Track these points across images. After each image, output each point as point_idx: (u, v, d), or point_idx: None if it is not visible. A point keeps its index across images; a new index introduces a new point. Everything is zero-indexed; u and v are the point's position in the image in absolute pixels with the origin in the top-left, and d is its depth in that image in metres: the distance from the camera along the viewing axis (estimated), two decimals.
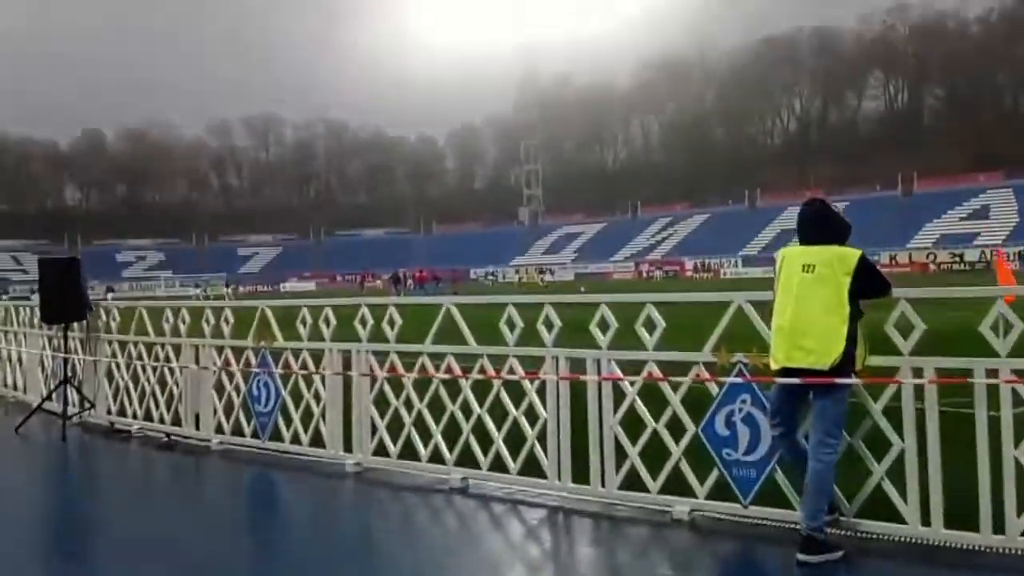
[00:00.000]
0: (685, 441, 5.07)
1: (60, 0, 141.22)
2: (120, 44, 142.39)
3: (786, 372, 4.33)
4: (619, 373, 5.27)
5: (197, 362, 8.04)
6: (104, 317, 9.35)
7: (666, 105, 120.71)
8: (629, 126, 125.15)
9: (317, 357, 6.96)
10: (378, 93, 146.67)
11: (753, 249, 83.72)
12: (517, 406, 5.76)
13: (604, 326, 5.34)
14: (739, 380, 4.76)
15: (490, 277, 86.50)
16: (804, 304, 4.26)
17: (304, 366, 6.98)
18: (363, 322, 6.58)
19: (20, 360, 11.38)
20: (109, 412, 9.25)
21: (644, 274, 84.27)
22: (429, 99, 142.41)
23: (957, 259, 69.29)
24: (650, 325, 5.16)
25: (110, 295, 55.01)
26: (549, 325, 5.55)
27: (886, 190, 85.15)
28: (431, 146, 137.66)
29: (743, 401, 4.79)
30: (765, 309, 4.63)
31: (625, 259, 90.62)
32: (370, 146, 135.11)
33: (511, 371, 5.69)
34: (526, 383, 5.64)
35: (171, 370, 8.36)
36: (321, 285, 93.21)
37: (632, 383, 5.22)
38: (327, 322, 6.87)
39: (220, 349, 7.84)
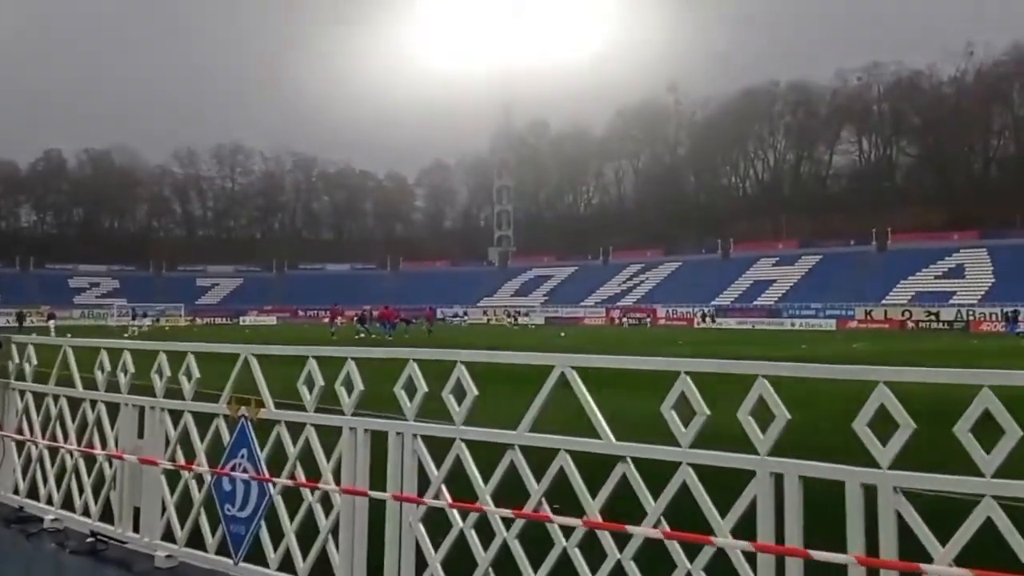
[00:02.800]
0: None
1: (28, 22, 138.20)
2: (88, 69, 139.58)
3: None
4: (909, 513, 2.87)
5: (140, 433, 5.55)
6: (17, 358, 6.80)
7: (641, 152, 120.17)
8: (603, 171, 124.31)
9: (329, 439, 4.52)
10: (349, 128, 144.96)
11: (726, 299, 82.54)
12: (693, 556, 3.26)
13: (886, 421, 2.93)
14: None
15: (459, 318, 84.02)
16: None
17: (306, 454, 4.50)
18: (409, 389, 4.14)
19: None
20: (16, 491, 6.65)
21: (616, 320, 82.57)
22: (401, 137, 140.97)
23: (933, 317, 68.50)
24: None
25: (52, 321, 51.61)
26: (763, 418, 3.14)
27: (860, 245, 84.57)
28: (401, 183, 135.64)
29: None
30: None
31: (596, 304, 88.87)
32: (338, 181, 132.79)
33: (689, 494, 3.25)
34: (707, 504, 3.19)
35: (103, 441, 5.84)
36: (282, 320, 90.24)
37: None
38: (348, 386, 4.42)
39: (177, 415, 5.34)
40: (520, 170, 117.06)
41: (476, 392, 3.85)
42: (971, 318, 66.39)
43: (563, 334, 49.30)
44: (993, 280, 70.98)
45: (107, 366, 5.87)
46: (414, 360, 4.07)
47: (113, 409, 5.83)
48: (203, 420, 5.14)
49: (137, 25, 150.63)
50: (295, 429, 4.60)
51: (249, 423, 4.80)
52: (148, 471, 5.40)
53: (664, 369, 3.36)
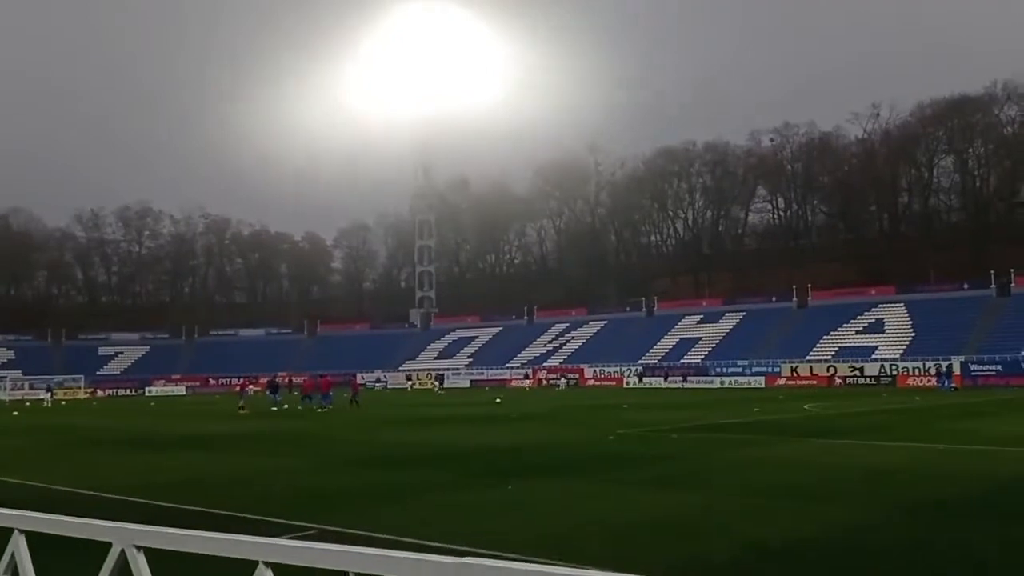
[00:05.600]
0: None
1: None
2: None
3: None
4: None
5: None
6: None
7: (562, 211, 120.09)
8: (524, 231, 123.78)
9: None
10: (264, 189, 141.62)
11: (652, 358, 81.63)
12: None
13: None
14: None
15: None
16: None
17: None
18: None
19: None
20: None
21: (544, 381, 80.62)
22: (318, 198, 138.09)
23: (858, 372, 68.70)
24: None
25: None
26: None
27: (781, 301, 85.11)
28: (318, 245, 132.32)
29: None
30: None
31: (522, 365, 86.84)
32: (253, 243, 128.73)
33: None
34: None
35: None
36: (192, 389, 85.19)
37: None
38: None
39: None
40: (441, 229, 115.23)
41: None
42: (895, 372, 66.69)
43: (499, 400, 46.69)
44: (913, 334, 71.83)
45: None
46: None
47: None
48: None
49: (35, 82, 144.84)
50: None
51: None
52: None
53: None
